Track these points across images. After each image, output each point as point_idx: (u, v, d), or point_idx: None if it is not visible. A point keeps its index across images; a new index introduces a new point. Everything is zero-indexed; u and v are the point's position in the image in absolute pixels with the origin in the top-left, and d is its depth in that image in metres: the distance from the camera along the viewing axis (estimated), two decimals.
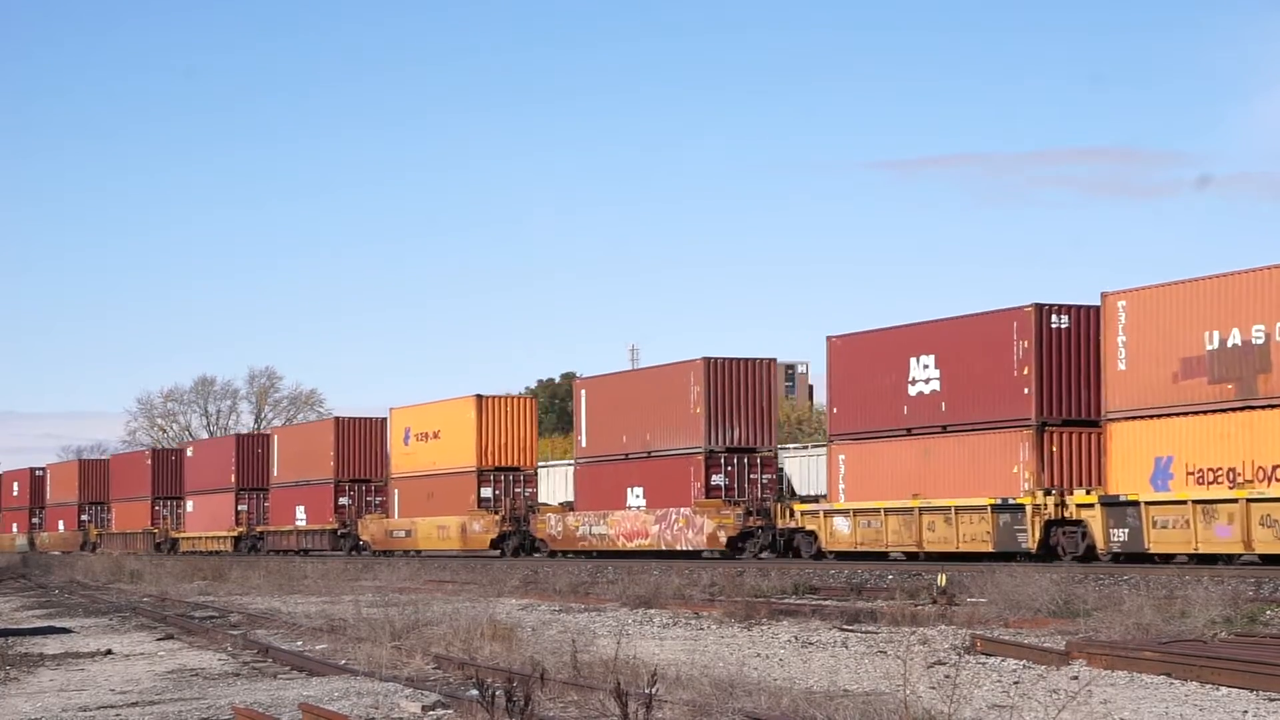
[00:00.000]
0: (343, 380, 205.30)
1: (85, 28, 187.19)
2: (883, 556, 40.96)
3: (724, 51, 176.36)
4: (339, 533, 67.54)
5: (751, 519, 45.21)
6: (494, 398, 58.91)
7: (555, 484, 59.15)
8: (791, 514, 44.56)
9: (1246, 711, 13.58)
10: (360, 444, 68.62)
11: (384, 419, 66.99)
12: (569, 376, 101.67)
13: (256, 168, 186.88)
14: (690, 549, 46.74)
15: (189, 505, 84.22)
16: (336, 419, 70.79)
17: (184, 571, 51.12)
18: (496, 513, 56.59)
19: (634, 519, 49.38)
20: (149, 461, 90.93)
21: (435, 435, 60.30)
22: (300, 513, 71.08)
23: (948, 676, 15.81)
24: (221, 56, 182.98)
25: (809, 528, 43.35)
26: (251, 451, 77.91)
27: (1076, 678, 15.84)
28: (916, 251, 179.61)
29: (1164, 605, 21.69)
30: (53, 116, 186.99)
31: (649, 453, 49.13)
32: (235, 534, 76.96)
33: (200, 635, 25.59)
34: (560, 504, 55.55)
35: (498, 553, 55.80)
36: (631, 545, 49.29)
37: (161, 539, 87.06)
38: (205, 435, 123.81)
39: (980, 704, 14.25)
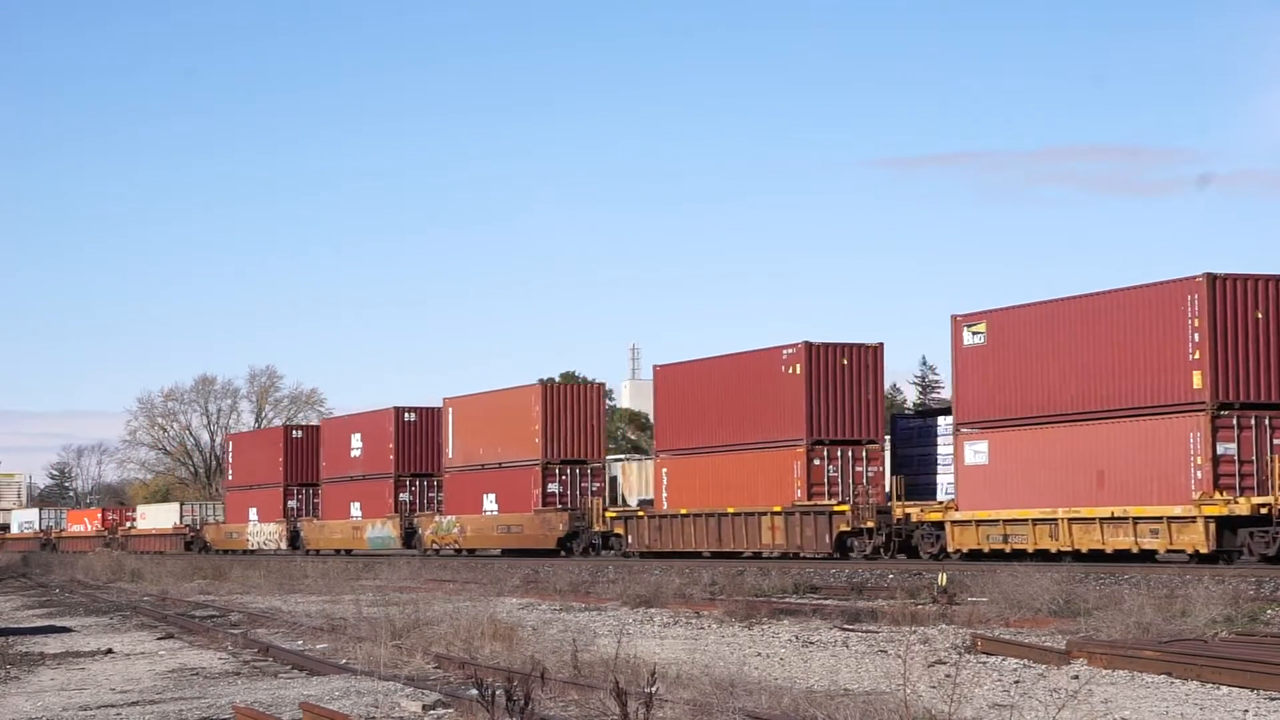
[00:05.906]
0: (343, 380, 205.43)
1: (85, 27, 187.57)
2: None
3: (724, 51, 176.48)
4: None
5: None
6: None
7: None
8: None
9: (1247, 711, 13.57)
10: None
11: None
12: (569, 376, 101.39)
13: (256, 168, 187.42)
14: None
15: (973, 452, 38.25)
16: None
17: (184, 571, 51.09)
18: None
19: None
20: (798, 369, 42.70)
21: None
22: None
23: (948, 676, 15.80)
24: (221, 56, 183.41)
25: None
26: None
27: (1077, 677, 15.82)
28: (916, 250, 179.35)
29: (1164, 604, 21.72)
30: (53, 116, 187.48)
31: None
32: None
33: (201, 634, 25.58)
34: None
35: None
36: None
37: (890, 528, 40.67)
38: (205, 435, 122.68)
39: (981, 703, 14.24)
